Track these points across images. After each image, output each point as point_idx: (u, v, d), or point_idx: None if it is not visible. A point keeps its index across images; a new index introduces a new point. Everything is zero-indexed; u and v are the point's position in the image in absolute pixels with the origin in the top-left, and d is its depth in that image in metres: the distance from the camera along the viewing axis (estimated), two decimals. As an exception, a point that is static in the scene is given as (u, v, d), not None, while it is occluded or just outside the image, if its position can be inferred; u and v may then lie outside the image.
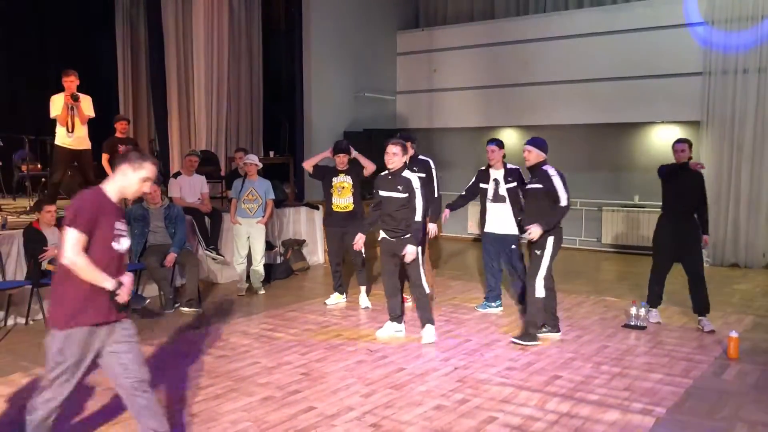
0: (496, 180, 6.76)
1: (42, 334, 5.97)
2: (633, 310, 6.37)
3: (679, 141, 6.28)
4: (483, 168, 6.95)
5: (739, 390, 4.72)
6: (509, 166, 6.81)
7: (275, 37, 12.38)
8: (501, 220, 6.74)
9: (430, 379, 4.90)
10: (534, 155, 5.81)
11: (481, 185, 6.87)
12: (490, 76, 11.87)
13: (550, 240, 5.68)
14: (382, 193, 5.88)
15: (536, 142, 5.86)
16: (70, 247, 3.09)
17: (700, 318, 6.22)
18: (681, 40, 10.00)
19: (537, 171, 5.80)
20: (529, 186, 5.94)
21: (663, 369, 5.14)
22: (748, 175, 9.58)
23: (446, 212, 6.91)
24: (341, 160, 7.01)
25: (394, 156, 5.73)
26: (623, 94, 10.58)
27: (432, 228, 6.59)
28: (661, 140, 10.72)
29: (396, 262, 5.95)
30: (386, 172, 5.88)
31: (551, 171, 5.71)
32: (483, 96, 12.01)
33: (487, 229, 6.87)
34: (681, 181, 6.16)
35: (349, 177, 7.05)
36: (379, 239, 6.02)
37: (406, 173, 5.82)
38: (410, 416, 4.20)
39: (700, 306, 6.22)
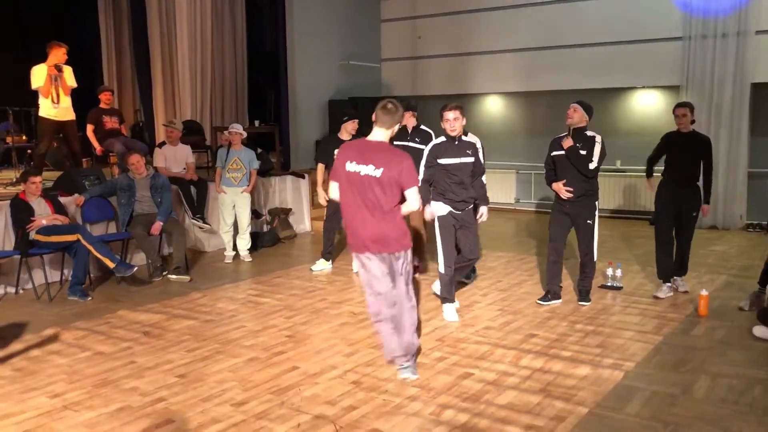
0: None
1: (32, 302, 6.13)
2: (609, 271, 6.56)
3: (679, 105, 6.19)
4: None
5: (706, 345, 4.92)
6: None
7: (259, 5, 12.33)
8: None
9: (411, 339, 5.06)
10: (579, 115, 5.79)
11: None
12: (473, 42, 11.91)
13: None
14: (448, 161, 5.43)
15: (584, 104, 5.86)
16: None
17: (675, 278, 6.32)
18: (661, 5, 10.07)
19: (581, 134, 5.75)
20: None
21: (635, 327, 5.34)
22: (726, 139, 9.74)
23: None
24: (350, 126, 7.09)
25: (455, 121, 5.34)
26: (604, 60, 10.66)
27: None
28: (641, 105, 10.86)
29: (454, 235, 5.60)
30: (444, 139, 5.51)
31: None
32: (466, 63, 12.05)
33: None
34: (684, 147, 6.06)
35: None
36: (437, 216, 5.54)
37: (469, 136, 5.58)
38: (389, 374, 4.37)
39: (679, 267, 6.29)
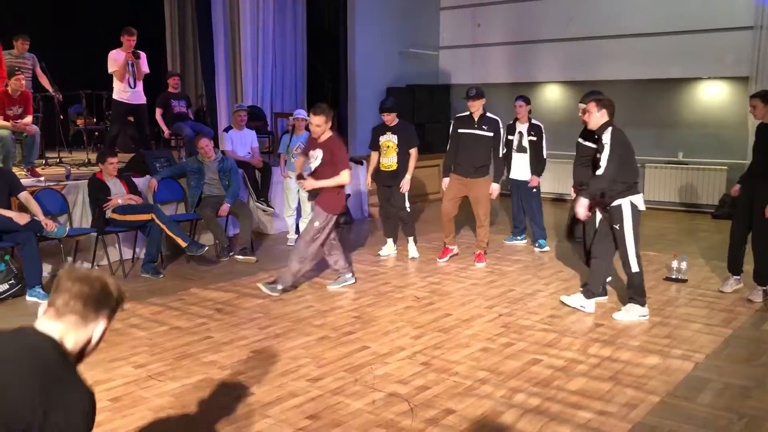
0: (520, 132, 7.57)
1: (116, 275, 6.38)
2: (674, 264, 6.48)
3: (751, 96, 5.90)
4: (511, 122, 7.67)
5: (778, 340, 4.86)
6: (533, 121, 7.57)
7: (319, -9, 12.44)
8: (521, 168, 7.65)
9: (476, 325, 5.14)
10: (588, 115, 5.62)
11: (508, 137, 7.58)
12: (533, 30, 11.81)
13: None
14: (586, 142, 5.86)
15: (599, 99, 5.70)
16: None
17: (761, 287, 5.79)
18: (731, -6, 9.82)
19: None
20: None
21: (703, 319, 5.29)
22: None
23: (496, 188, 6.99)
24: (385, 119, 7.17)
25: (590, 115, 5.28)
26: (669, 49, 10.45)
27: (495, 188, 6.86)
28: (707, 96, 10.61)
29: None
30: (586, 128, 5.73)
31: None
32: (526, 51, 11.96)
33: (511, 176, 7.72)
34: (760, 140, 5.76)
35: (395, 136, 7.19)
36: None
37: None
38: (458, 356, 4.46)
39: (754, 271, 5.78)
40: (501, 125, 6.89)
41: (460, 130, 6.90)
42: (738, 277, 6.03)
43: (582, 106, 5.76)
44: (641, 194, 5.31)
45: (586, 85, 11.43)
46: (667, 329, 5.05)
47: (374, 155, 7.42)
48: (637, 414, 3.63)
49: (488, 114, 6.90)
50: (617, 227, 5.20)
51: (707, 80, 10.56)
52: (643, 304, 5.33)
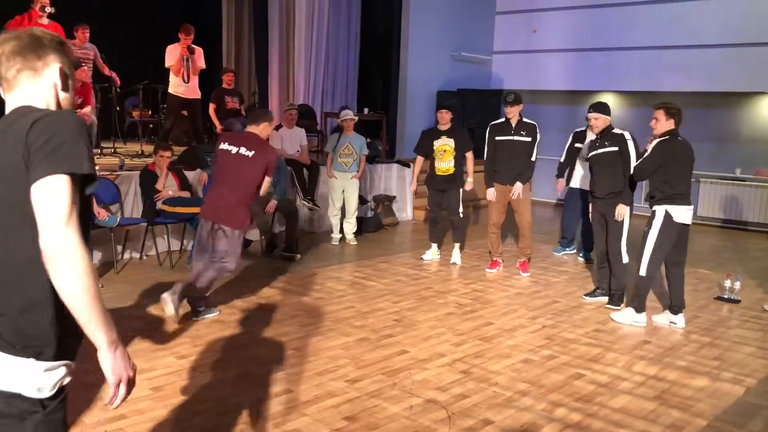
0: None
1: (154, 268, 6.51)
2: (727, 283, 6.28)
3: None
4: (579, 130, 7.49)
5: (836, 368, 4.65)
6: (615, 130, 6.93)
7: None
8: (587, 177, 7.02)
9: (518, 335, 5.06)
10: (601, 121, 5.81)
11: (576, 144, 7.39)
12: (590, 38, 11.60)
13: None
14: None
15: (600, 108, 5.86)
16: None
17: None
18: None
19: (609, 134, 5.80)
20: (603, 150, 5.81)
21: (756, 342, 5.11)
22: None
23: (561, 182, 7.11)
24: (442, 116, 7.12)
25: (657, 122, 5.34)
26: (731, 62, 10.14)
27: (518, 187, 6.70)
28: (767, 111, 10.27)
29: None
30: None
31: (627, 134, 5.75)
32: (582, 59, 11.76)
33: (573, 184, 7.54)
34: None
35: (452, 140, 7.14)
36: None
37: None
38: (499, 366, 4.39)
39: None
40: (537, 130, 6.75)
41: (497, 138, 6.76)
42: None
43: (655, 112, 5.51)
44: (687, 207, 5.27)
45: (643, 96, 11.22)
46: (717, 351, 4.89)
47: (420, 160, 7.41)
48: (682, 437, 3.52)
49: (525, 119, 6.76)
50: (646, 229, 5.29)
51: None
52: (639, 311, 5.37)
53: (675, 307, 5.44)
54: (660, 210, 5.21)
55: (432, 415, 3.63)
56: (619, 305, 5.77)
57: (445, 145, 7.15)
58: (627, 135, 5.76)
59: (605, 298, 5.97)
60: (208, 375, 4.04)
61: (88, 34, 8.28)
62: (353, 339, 4.79)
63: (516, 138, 6.68)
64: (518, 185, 6.71)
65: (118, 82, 8.64)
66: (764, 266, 6.31)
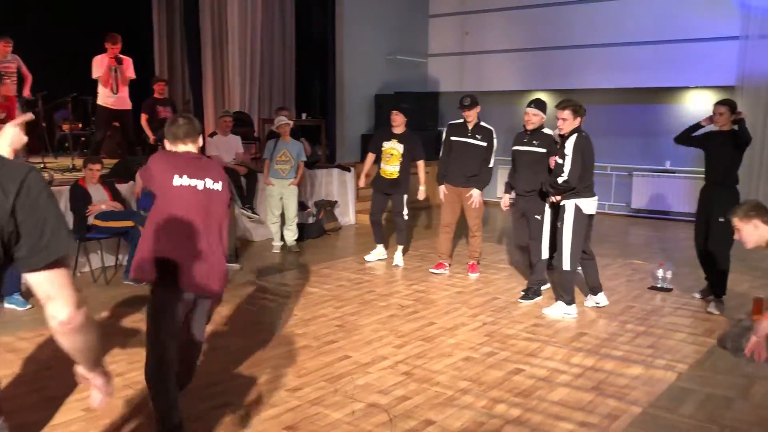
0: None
1: (89, 285, 6.31)
2: (659, 273, 6.48)
3: (717, 103, 5.89)
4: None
5: (762, 349, 4.83)
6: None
7: (308, -2, 12.43)
8: None
9: (460, 333, 5.10)
10: (538, 118, 5.96)
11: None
12: (522, 39, 11.83)
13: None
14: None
15: (540, 105, 6.01)
16: None
17: (708, 297, 5.93)
18: (719, 4, 9.86)
19: (539, 133, 5.97)
20: (531, 149, 5.98)
21: (687, 329, 5.28)
22: (781, 142, 9.52)
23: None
24: (393, 118, 7.12)
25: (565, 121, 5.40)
26: (657, 59, 10.49)
27: (476, 194, 6.73)
28: (694, 105, 10.65)
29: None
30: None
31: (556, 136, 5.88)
32: (515, 59, 11.98)
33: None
34: (718, 147, 5.78)
35: (401, 145, 7.14)
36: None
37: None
38: (440, 366, 4.42)
39: (710, 282, 5.91)
40: (494, 135, 6.73)
41: (452, 138, 6.76)
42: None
43: (562, 113, 5.58)
44: (593, 198, 5.48)
45: (574, 94, 11.49)
46: (651, 339, 5.03)
47: (370, 157, 7.41)
48: (618, 425, 3.60)
49: (482, 123, 6.75)
50: (559, 224, 5.46)
51: (694, 89, 10.61)
52: (569, 303, 5.52)
53: (594, 288, 5.74)
54: (570, 204, 5.40)
55: (374, 419, 3.62)
56: (533, 299, 5.93)
57: (392, 149, 7.16)
58: (557, 137, 5.89)
59: (538, 298, 6.03)
60: (143, 392, 3.93)
61: (10, 48, 7.99)
62: (295, 347, 4.74)
63: (471, 141, 6.67)
64: (476, 192, 6.70)
65: (28, 86, 8.27)
66: (693, 255, 6.52)
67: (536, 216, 5.92)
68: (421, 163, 7.25)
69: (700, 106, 10.59)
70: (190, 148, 3.41)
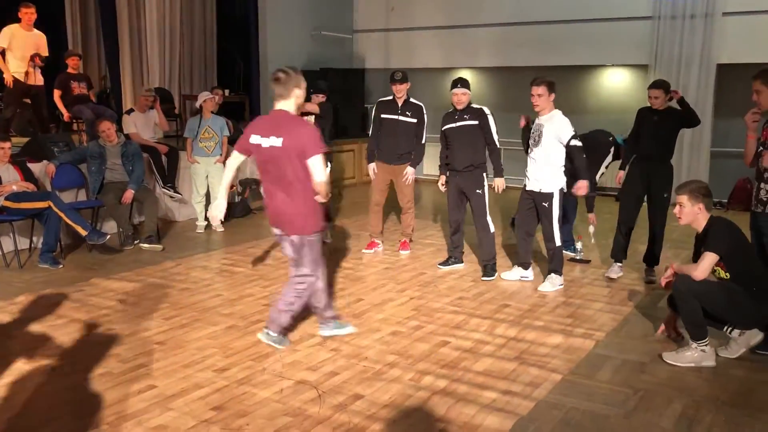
0: None
1: (1, 270, 6.03)
2: (578, 245, 6.71)
3: (651, 86, 6.02)
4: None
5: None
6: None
7: (229, -29, 12.10)
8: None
9: (387, 309, 5.16)
10: (467, 97, 6.03)
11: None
12: (446, 16, 11.88)
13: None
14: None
15: (466, 83, 6.07)
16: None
17: (647, 268, 6.19)
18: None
19: (469, 109, 6.05)
20: (464, 123, 6.03)
21: (604, 298, 5.51)
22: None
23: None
24: (314, 100, 7.01)
25: (539, 97, 5.54)
26: (574, 37, 10.75)
27: (411, 173, 6.74)
28: (611, 83, 11.02)
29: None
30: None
31: (486, 109, 6.05)
32: (439, 36, 12.04)
33: None
34: (658, 125, 5.94)
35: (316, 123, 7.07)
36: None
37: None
38: (369, 341, 4.46)
39: (650, 254, 6.17)
40: (425, 111, 6.71)
41: (382, 115, 6.70)
42: (621, 264, 6.22)
43: (537, 89, 5.57)
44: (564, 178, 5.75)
45: (495, 71, 11.70)
46: (570, 309, 5.22)
47: None
48: (540, 392, 3.74)
49: (412, 99, 6.72)
50: (545, 205, 5.64)
51: (611, 67, 10.96)
52: (560, 275, 5.78)
53: (527, 263, 5.97)
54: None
55: (302, 396, 3.63)
56: (493, 275, 5.99)
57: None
58: (486, 109, 5.99)
59: (459, 266, 6.31)
60: (68, 377, 3.81)
61: None
62: (221, 328, 4.68)
63: (401, 118, 6.62)
64: (410, 170, 6.70)
65: None
66: (612, 227, 6.78)
67: (477, 191, 6.01)
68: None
69: (616, 83, 10.99)
70: (282, 105, 4.14)
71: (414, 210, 7.05)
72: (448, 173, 6.24)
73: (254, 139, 4.08)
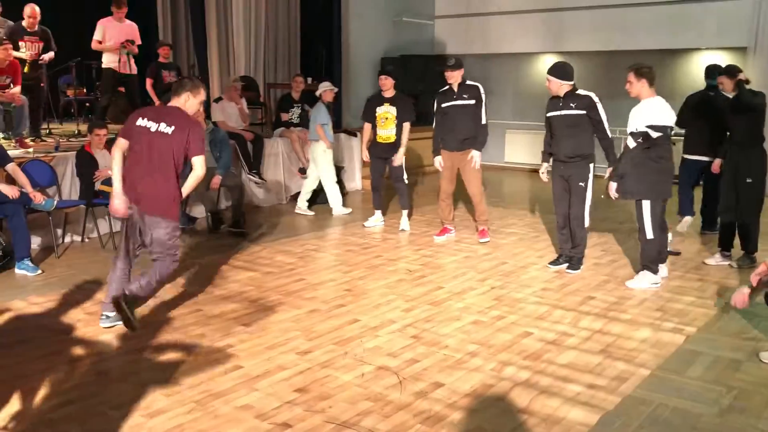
0: None
1: (97, 251, 6.34)
2: (669, 238, 6.44)
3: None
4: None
5: (770, 313, 4.83)
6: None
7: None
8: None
9: (468, 298, 5.11)
10: (567, 86, 5.64)
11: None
12: (530, 0, 11.62)
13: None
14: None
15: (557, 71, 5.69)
16: None
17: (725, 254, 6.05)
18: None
19: (573, 96, 5.65)
20: (568, 112, 5.65)
21: (695, 292, 5.28)
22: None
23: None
24: (383, 83, 7.05)
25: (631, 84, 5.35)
26: (667, 19, 10.31)
27: (476, 155, 6.61)
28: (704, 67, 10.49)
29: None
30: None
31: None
32: (523, 20, 11.80)
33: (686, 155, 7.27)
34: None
35: (394, 107, 7.09)
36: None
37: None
38: (449, 329, 4.44)
39: (741, 241, 5.99)
40: (482, 91, 6.59)
41: (443, 105, 6.67)
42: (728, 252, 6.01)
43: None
44: None
45: (581, 56, 11.35)
46: (659, 302, 5.03)
47: (368, 127, 7.31)
48: (626, 387, 3.62)
49: (468, 82, 6.63)
50: (581, 185, 5.62)
51: (706, 50, 10.44)
52: (655, 272, 5.40)
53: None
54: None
55: (383, 382, 3.65)
56: (579, 268, 5.78)
57: (386, 113, 7.10)
58: (594, 97, 5.65)
59: (576, 271, 5.83)
60: (156, 356, 3.98)
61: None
62: (304, 311, 4.77)
63: (459, 102, 6.57)
64: (475, 153, 6.58)
65: (45, 60, 8.17)
66: (698, 219, 6.51)
67: (580, 183, 5.64)
68: (407, 125, 7.15)
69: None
70: (174, 102, 4.37)
71: (484, 197, 6.92)
72: (551, 161, 5.92)
73: (141, 122, 4.28)
